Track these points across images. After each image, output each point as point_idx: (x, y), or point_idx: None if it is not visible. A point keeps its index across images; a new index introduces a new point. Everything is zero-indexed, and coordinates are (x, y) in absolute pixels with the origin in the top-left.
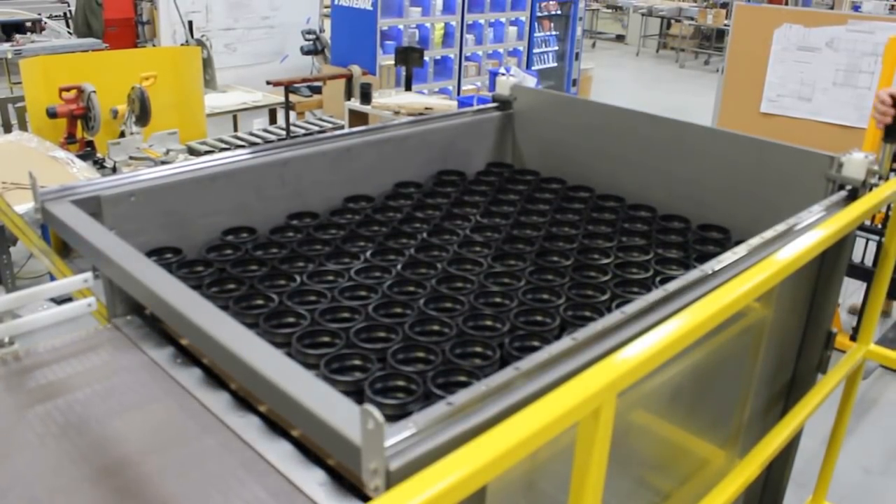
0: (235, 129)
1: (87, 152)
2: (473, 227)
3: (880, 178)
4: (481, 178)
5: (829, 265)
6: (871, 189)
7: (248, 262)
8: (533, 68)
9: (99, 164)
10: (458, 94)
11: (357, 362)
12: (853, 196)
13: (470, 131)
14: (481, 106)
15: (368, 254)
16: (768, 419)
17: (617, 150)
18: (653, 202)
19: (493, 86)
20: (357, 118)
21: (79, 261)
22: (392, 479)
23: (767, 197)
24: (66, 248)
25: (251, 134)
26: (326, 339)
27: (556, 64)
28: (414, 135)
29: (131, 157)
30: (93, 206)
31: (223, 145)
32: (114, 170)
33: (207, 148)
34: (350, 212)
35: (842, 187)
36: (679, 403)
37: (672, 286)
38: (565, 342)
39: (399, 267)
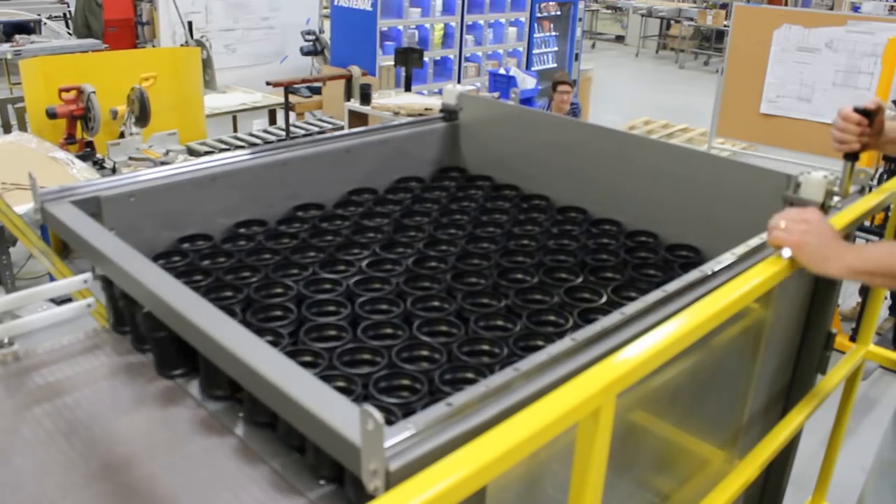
0: (235, 130)
1: (87, 153)
2: (427, 241)
3: (841, 199)
4: (434, 185)
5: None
6: (828, 211)
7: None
8: (532, 69)
9: (99, 165)
10: None
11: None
12: None
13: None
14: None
15: (317, 266)
16: (768, 420)
17: (567, 162)
18: (607, 217)
19: (492, 86)
20: (357, 119)
21: (78, 261)
22: (392, 480)
23: (724, 216)
24: (65, 248)
25: (251, 135)
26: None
27: (555, 65)
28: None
29: (131, 158)
30: (92, 206)
31: (223, 146)
32: (113, 170)
33: (207, 149)
34: (299, 220)
35: None
36: (678, 404)
37: (671, 287)
38: (565, 343)
39: (352, 281)
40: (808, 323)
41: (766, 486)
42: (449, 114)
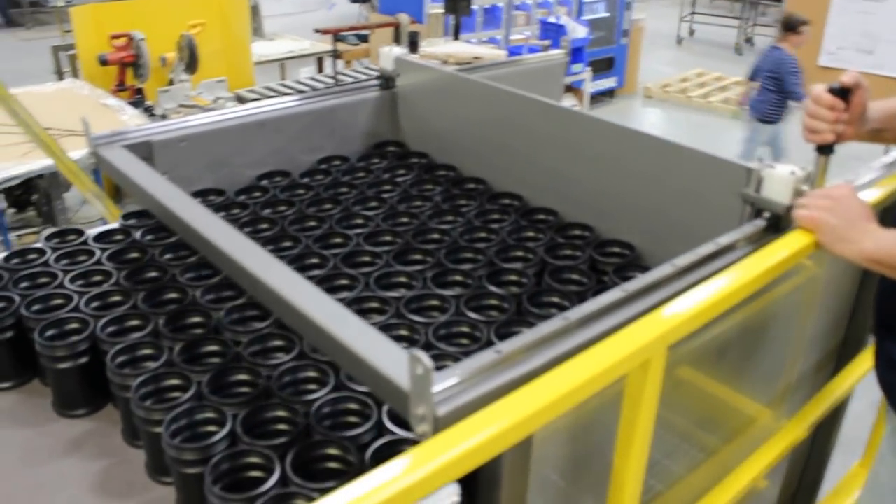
0: (283, 78)
1: (138, 100)
2: (321, 235)
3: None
4: (358, 167)
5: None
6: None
7: None
8: (583, 18)
9: (149, 112)
10: (507, 43)
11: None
12: (775, 226)
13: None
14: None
15: None
16: (818, 380)
17: (507, 141)
18: (544, 206)
19: (543, 34)
20: None
21: (131, 205)
22: (440, 425)
23: (669, 212)
24: (118, 192)
25: (298, 82)
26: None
27: (607, 14)
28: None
29: (180, 105)
30: (144, 150)
31: (271, 93)
32: (163, 118)
33: (255, 96)
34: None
35: (759, 212)
36: (727, 360)
37: (724, 240)
38: (615, 293)
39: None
40: (864, 280)
41: (812, 447)
42: (385, 80)
